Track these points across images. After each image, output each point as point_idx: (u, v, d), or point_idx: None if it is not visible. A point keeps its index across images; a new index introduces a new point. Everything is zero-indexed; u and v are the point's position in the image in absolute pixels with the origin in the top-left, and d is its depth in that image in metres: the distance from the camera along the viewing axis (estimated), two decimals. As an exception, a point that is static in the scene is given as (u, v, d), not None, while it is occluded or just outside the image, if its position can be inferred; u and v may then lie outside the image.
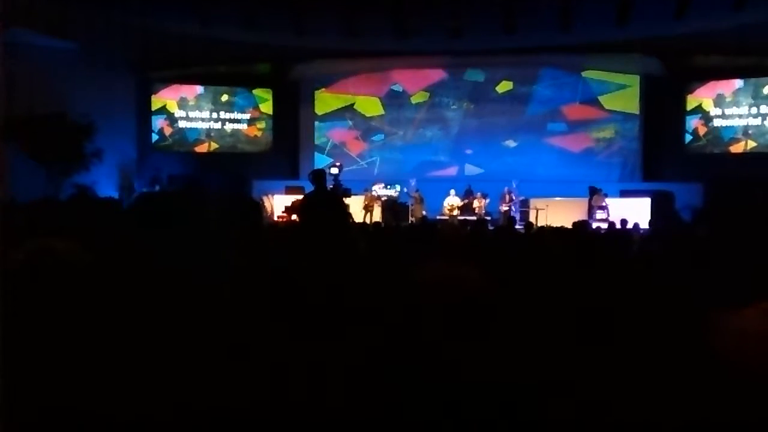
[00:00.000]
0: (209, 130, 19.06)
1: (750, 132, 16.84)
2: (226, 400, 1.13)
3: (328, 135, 19.45)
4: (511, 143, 18.52)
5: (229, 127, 19.19)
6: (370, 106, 19.22)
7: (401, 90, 19.09)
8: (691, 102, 17.51)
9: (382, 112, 19.14)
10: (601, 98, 18.17)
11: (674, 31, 15.69)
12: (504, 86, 18.64)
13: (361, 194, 15.95)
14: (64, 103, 14.14)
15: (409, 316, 2.00)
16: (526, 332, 2.05)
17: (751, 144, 16.82)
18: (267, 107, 19.42)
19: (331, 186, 8.93)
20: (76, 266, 1.54)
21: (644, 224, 12.58)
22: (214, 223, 1.18)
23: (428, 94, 18.96)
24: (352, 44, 17.36)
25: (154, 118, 18.49)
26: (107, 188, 14.74)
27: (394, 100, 19.10)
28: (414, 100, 19.00)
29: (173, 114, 18.74)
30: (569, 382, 1.54)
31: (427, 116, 18.99)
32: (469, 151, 18.79)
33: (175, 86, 18.72)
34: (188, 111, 18.88)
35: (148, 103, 18.32)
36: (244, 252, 1.31)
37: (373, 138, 19.26)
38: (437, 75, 18.95)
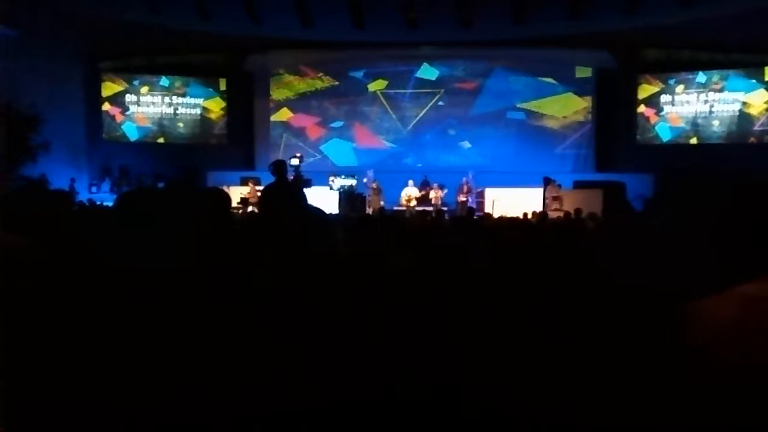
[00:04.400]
0: (162, 120, 18.69)
1: (699, 123, 17.32)
2: (193, 395, 1.10)
3: (286, 121, 19.25)
4: (467, 144, 18.70)
5: (182, 117, 18.84)
6: (327, 93, 19.12)
7: (358, 79, 19.03)
8: (642, 95, 17.90)
9: (340, 98, 19.04)
10: (553, 97, 18.49)
11: (626, 25, 16.00)
12: (459, 78, 18.77)
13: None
14: (9, 93, 13.66)
15: (378, 309, 1.99)
16: (489, 324, 2.06)
17: (700, 135, 17.30)
18: (221, 97, 19.13)
19: (292, 177, 8.86)
20: (29, 262, 1.48)
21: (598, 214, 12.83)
22: (192, 219, 1.15)
23: (385, 85, 18.95)
24: (307, 34, 17.20)
25: (104, 108, 18.05)
26: (57, 180, 14.32)
27: (351, 90, 19.03)
28: (371, 88, 18.96)
29: (124, 104, 18.32)
30: (534, 376, 1.55)
31: (383, 107, 18.98)
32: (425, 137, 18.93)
33: (126, 76, 18.30)
34: (140, 101, 18.47)
35: (98, 93, 17.87)
36: (214, 245, 1.29)
37: (332, 125, 19.16)
38: (394, 66, 18.94)
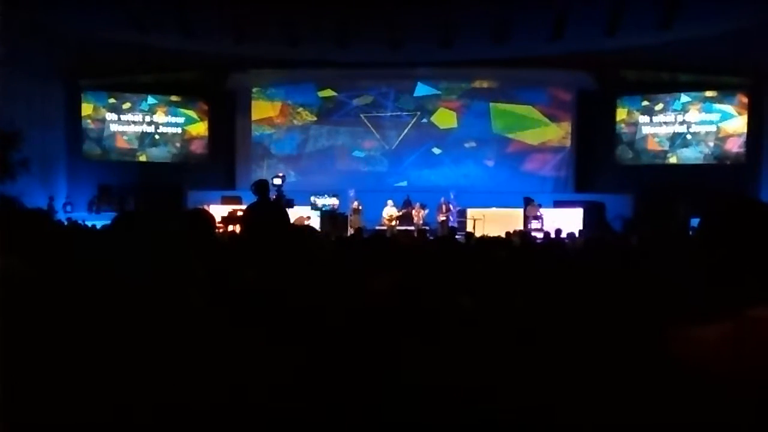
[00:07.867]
0: (143, 138, 18.57)
1: (677, 144, 17.56)
2: (188, 407, 1.11)
3: (268, 139, 19.21)
4: (451, 167, 18.79)
5: (163, 136, 18.73)
6: (309, 113, 19.14)
7: (340, 99, 19.08)
8: (621, 116, 18.13)
9: (323, 119, 19.06)
10: (533, 130, 18.71)
11: (606, 47, 16.24)
12: (442, 98, 18.93)
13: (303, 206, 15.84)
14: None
15: (365, 320, 1.99)
16: (476, 338, 2.07)
17: (679, 155, 17.53)
18: (203, 116, 19.06)
19: (274, 196, 8.83)
20: (17, 281, 1.47)
21: (577, 234, 12.95)
22: (178, 238, 1.16)
23: (368, 103, 19.03)
24: (290, 54, 17.26)
25: (85, 126, 17.91)
26: (34, 199, 14.13)
27: (333, 109, 19.07)
28: (355, 104, 19.01)
29: (105, 123, 18.20)
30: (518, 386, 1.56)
31: (365, 126, 19.02)
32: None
33: (108, 93, 18.19)
34: (121, 119, 18.37)
35: (79, 111, 17.74)
36: (200, 262, 1.29)
37: (317, 143, 19.15)
38: (376, 86, 19.03)
